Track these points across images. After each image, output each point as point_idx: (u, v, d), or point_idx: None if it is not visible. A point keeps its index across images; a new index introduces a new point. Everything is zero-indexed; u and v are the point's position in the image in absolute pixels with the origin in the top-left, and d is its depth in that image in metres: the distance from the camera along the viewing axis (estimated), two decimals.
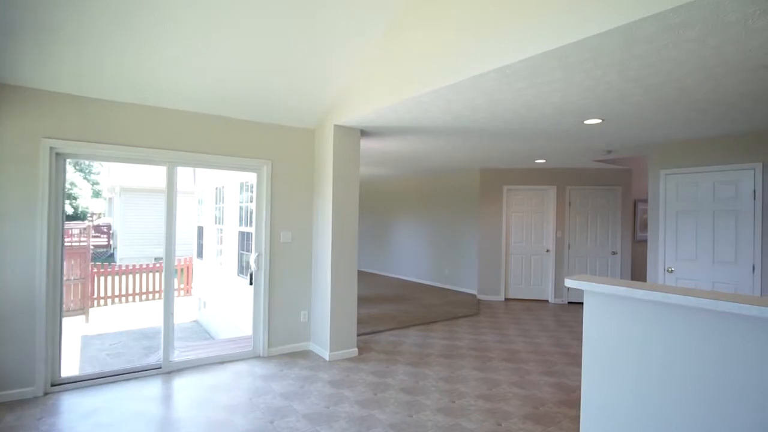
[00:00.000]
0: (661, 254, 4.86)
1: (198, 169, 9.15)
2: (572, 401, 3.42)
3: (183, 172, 13.08)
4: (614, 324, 2.20)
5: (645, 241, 7.52)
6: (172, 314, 3.94)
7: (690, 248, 4.64)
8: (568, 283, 2.34)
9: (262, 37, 3.22)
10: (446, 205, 8.85)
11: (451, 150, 5.60)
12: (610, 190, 7.25)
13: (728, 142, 4.39)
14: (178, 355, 4.10)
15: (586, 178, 7.32)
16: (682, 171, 4.71)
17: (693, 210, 4.62)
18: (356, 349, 4.42)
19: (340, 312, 4.30)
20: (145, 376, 3.75)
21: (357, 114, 3.82)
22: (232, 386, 3.59)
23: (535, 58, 2.39)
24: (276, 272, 4.39)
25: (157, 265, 10.23)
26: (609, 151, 5.55)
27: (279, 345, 4.42)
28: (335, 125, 4.25)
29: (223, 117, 4.10)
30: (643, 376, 2.05)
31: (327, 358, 4.24)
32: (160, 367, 3.84)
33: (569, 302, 7.34)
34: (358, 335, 5.10)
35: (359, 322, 5.71)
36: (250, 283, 4.35)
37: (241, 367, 4.04)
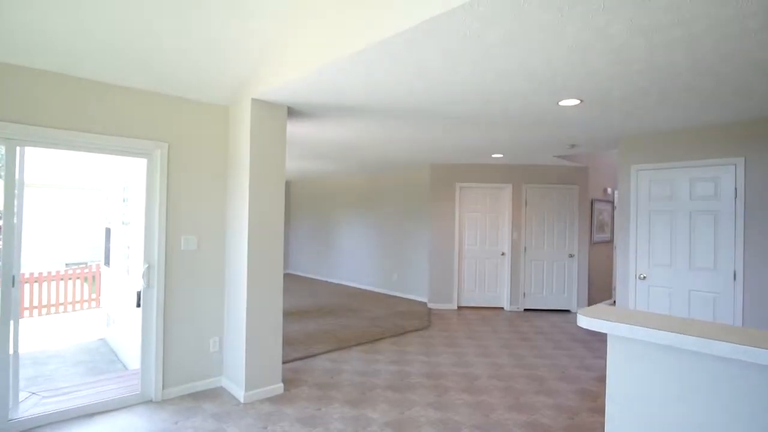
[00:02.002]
0: (632, 259, 4.35)
1: (105, 159, 7.75)
2: None
3: (80, 161, 11.36)
4: (657, 380, 1.47)
5: (602, 243, 7.16)
6: (15, 352, 2.82)
7: (664, 252, 4.14)
8: (584, 322, 1.59)
9: None
10: (394, 205, 8.09)
11: (400, 139, 4.81)
12: (567, 189, 6.80)
13: (707, 134, 3.92)
14: (30, 408, 2.98)
15: (543, 175, 6.82)
16: (655, 166, 4.21)
17: (668, 210, 4.13)
18: (281, 385, 3.50)
19: (260, 339, 3.37)
20: None
21: (282, 81, 2.90)
22: None
23: None
24: (175, 289, 3.37)
25: (70, 272, 8.64)
26: (573, 146, 5.01)
27: (179, 384, 3.40)
28: (253, 100, 3.30)
29: (98, 82, 3.03)
30: None
31: (242, 400, 3.28)
32: None
33: (525, 309, 6.82)
34: (288, 362, 4.17)
35: (291, 343, 4.77)
36: (138, 305, 3.30)
37: (119, 420, 2.99)
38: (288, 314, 6.16)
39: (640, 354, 1.66)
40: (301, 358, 4.30)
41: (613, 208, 7.50)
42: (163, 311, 3.30)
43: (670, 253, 4.11)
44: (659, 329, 1.55)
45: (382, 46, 2.22)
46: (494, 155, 5.87)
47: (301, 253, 10.45)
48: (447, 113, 3.60)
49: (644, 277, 4.26)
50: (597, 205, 6.98)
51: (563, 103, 3.21)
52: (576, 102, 3.19)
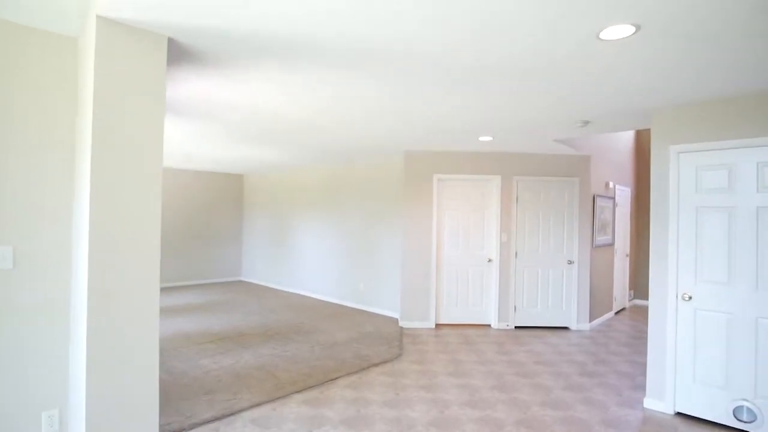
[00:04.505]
0: (672, 272, 3.21)
1: None
2: None
3: None
4: None
5: (603, 247, 6.08)
6: None
7: (718, 265, 3.02)
8: None
9: None
10: (362, 202, 6.81)
11: (365, 108, 3.54)
12: (566, 182, 5.68)
13: None
14: None
15: (537, 165, 5.68)
16: (706, 146, 3.08)
17: (724, 207, 3.01)
18: None
19: (115, 409, 2.04)
20: None
21: None
22: None
23: None
24: None
25: None
26: (585, 122, 3.85)
27: None
28: (100, 18, 1.97)
29: None
30: None
31: None
32: None
33: (516, 326, 5.67)
34: (196, 425, 2.85)
35: (209, 390, 3.44)
36: None
37: None
38: (219, 340, 4.81)
39: None
40: (211, 420, 2.98)
41: (615, 205, 6.44)
42: None
43: (728, 266, 2.98)
44: None
45: None
46: (482, 138, 4.68)
47: (254, 257, 9.05)
48: (425, 55, 2.36)
49: (689, 298, 3.13)
50: (599, 202, 5.90)
51: (608, 32, 2.01)
52: (628, 31, 1.99)
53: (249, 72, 2.69)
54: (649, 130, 7.52)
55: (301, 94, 3.15)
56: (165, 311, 6.16)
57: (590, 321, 5.70)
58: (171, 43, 2.25)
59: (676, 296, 3.19)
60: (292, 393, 3.45)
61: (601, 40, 2.09)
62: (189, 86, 3.02)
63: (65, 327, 2.26)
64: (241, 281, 9.12)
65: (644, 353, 4.68)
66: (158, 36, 2.14)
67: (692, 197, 3.14)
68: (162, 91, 2.16)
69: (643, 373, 4.03)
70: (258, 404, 3.23)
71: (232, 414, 3.07)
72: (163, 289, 7.87)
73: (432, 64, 2.49)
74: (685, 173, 3.18)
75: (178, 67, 2.63)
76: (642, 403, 3.38)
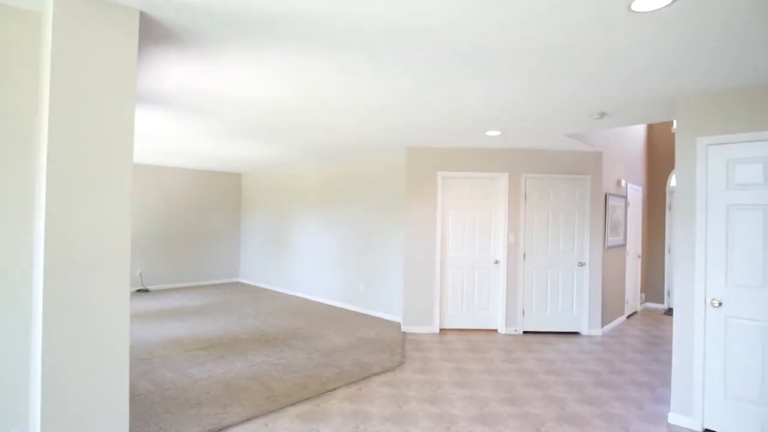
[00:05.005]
0: (700, 275, 2.94)
1: None
2: None
3: None
4: None
5: (615, 248, 5.81)
6: None
7: (752, 268, 2.75)
8: None
9: None
10: (362, 201, 6.56)
11: (362, 100, 3.29)
12: (576, 180, 5.41)
13: None
14: None
15: (547, 162, 5.41)
16: (739, 138, 2.81)
17: (760, 204, 2.74)
18: None
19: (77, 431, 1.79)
20: None
21: None
22: None
23: None
24: None
25: None
26: (602, 114, 3.59)
27: None
28: None
29: None
30: None
31: None
32: None
33: (525, 331, 5.40)
34: None
35: (197, 402, 3.18)
36: None
37: None
38: (211, 346, 4.56)
39: None
40: None
41: (627, 204, 6.17)
42: None
43: (763, 269, 2.71)
44: None
45: None
46: (489, 132, 4.41)
47: (253, 258, 8.80)
48: (428, 32, 2.10)
49: (719, 304, 2.85)
50: (611, 201, 5.62)
51: (642, 2, 1.75)
52: (664, 2, 1.73)
53: (233, 54, 2.44)
54: (662, 124, 7.24)
55: (292, 82, 2.90)
56: (158, 315, 5.92)
57: (602, 326, 5.43)
58: (146, 19, 2.00)
59: (705, 302, 2.92)
60: (286, 406, 3.19)
61: (633, 11, 1.83)
62: (171, 73, 2.77)
63: (27, 337, 2.01)
64: (239, 283, 8.88)
65: (662, 361, 4.40)
66: (129, 10, 1.89)
67: (722, 194, 2.87)
68: (133, 72, 1.91)
69: (663, 384, 3.76)
70: (248, 419, 2.98)
71: (220, 430, 2.81)
72: (158, 291, 7.63)
73: (438, 44, 2.23)
74: (714, 167, 2.91)
75: (155, 49, 2.38)
76: (666, 418, 3.11)
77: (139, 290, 7.56)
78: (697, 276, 2.95)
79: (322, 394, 3.43)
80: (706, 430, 2.93)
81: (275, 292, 7.97)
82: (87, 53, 1.79)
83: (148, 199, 7.76)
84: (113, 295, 1.86)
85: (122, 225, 1.88)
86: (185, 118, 4.04)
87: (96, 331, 1.82)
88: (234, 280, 9.06)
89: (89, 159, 1.79)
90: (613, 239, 5.72)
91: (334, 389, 3.52)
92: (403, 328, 5.39)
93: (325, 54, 2.39)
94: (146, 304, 6.61)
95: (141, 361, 4.07)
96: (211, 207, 8.69)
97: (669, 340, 5.19)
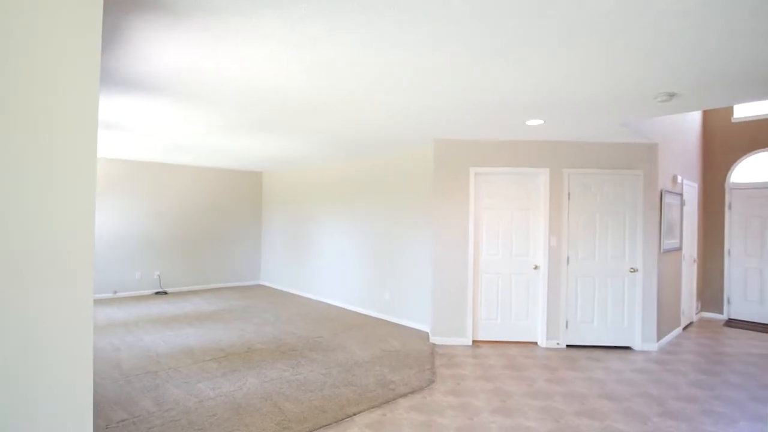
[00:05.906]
0: None
1: None
2: None
3: None
4: None
5: (671, 252, 5.16)
6: None
7: None
8: None
9: None
10: (387, 200, 6.11)
11: (383, 74, 2.84)
12: (627, 176, 4.81)
13: None
14: None
15: (593, 156, 4.83)
16: None
17: None
18: None
19: None
20: None
21: None
22: None
23: None
24: None
25: None
26: (671, 95, 3.02)
27: None
28: None
29: None
30: None
31: None
32: None
33: (568, 345, 4.84)
34: None
35: (200, 425, 2.81)
36: None
37: None
38: (224, 357, 4.21)
39: None
40: None
41: (683, 203, 5.50)
42: None
43: None
44: None
45: None
46: (530, 121, 3.89)
47: (274, 260, 8.49)
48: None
49: None
50: (666, 199, 4.99)
51: None
52: None
53: (240, 26, 2.03)
54: (719, 111, 6.49)
55: (295, 53, 2.48)
56: (172, 319, 5.64)
57: (657, 340, 4.81)
58: None
59: None
60: None
61: None
62: (172, 53, 2.40)
63: None
64: (260, 285, 8.59)
65: (737, 386, 3.78)
66: None
67: None
68: (95, 46, 1.52)
69: (748, 417, 3.16)
70: None
71: None
72: (176, 294, 7.40)
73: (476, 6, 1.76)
74: None
75: (149, 22, 2.00)
76: None
77: (157, 292, 7.35)
78: None
79: (342, 420, 3.00)
80: None
81: (296, 295, 7.63)
82: (23, 13, 1.40)
83: (165, 200, 7.55)
84: (68, 311, 1.47)
85: (85, 227, 1.49)
86: (194, 107, 3.69)
87: (42, 356, 1.44)
88: (255, 282, 8.78)
89: (34, 145, 1.41)
90: (669, 242, 5.08)
91: (354, 414, 3.08)
92: (432, 339, 4.91)
93: (351, 19, 1.95)
94: (162, 308, 6.36)
95: (147, 374, 3.74)
96: (232, 206, 8.43)
97: (738, 359, 4.53)
